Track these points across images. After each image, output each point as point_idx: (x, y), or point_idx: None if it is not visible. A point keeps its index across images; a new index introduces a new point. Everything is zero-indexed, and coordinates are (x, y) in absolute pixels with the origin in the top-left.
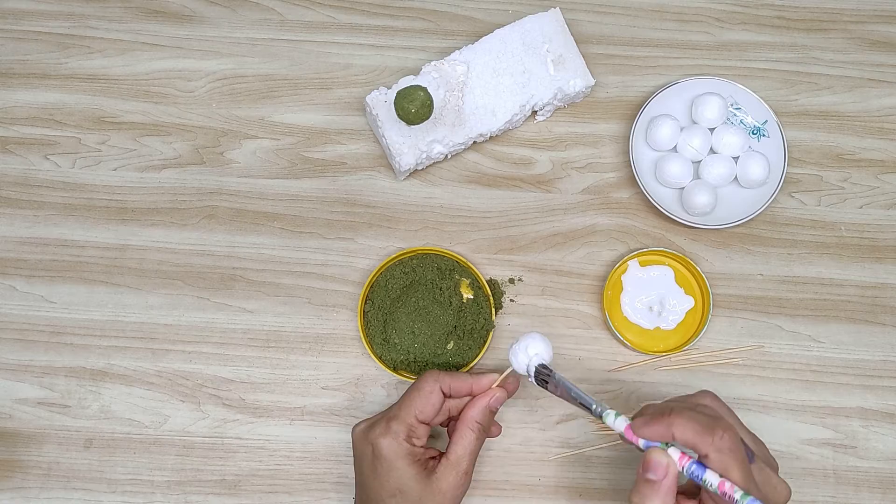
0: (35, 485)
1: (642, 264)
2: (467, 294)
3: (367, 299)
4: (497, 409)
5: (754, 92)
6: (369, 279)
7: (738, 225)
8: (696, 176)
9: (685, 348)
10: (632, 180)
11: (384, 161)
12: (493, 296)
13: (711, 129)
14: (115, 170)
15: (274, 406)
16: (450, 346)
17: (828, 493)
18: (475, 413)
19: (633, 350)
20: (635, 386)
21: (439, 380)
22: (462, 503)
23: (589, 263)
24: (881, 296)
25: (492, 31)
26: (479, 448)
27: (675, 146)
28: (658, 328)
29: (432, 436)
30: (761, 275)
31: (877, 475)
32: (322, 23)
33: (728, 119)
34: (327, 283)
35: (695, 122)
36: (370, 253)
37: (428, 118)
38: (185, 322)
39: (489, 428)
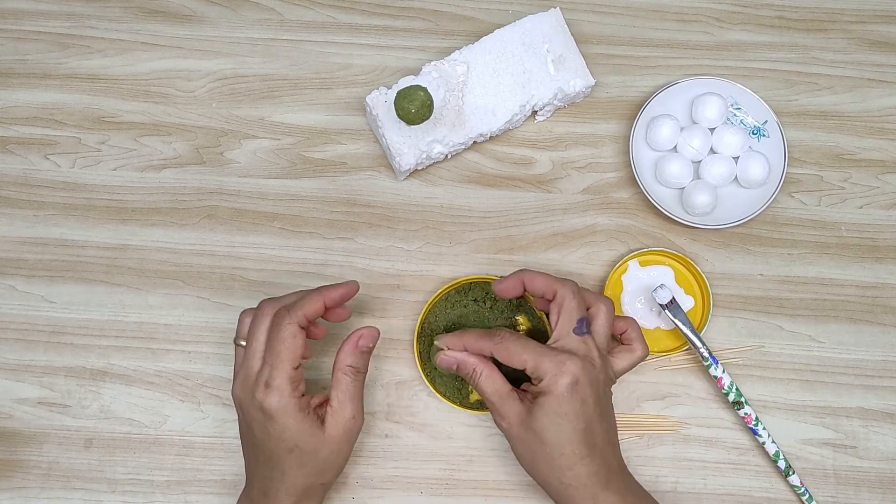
0: (35, 485)
1: (642, 264)
2: (524, 325)
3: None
4: (371, 348)
5: (754, 92)
6: (423, 312)
7: (738, 225)
8: (696, 176)
9: (685, 348)
10: (632, 180)
11: (384, 161)
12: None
13: (711, 129)
14: (114, 170)
15: None
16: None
17: (828, 493)
18: (345, 357)
19: None
20: (635, 385)
21: (293, 317)
22: (467, 503)
23: (589, 263)
24: (881, 296)
25: (492, 31)
26: (362, 387)
27: (675, 146)
28: (658, 328)
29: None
30: (761, 275)
31: (877, 475)
32: (322, 23)
33: (728, 119)
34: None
35: (695, 122)
36: (370, 253)
37: (428, 118)
38: (185, 322)
39: (365, 366)
